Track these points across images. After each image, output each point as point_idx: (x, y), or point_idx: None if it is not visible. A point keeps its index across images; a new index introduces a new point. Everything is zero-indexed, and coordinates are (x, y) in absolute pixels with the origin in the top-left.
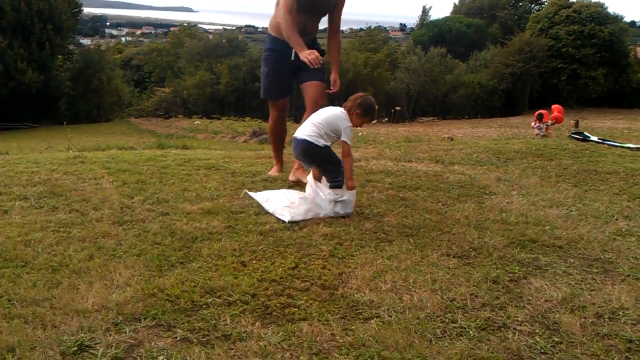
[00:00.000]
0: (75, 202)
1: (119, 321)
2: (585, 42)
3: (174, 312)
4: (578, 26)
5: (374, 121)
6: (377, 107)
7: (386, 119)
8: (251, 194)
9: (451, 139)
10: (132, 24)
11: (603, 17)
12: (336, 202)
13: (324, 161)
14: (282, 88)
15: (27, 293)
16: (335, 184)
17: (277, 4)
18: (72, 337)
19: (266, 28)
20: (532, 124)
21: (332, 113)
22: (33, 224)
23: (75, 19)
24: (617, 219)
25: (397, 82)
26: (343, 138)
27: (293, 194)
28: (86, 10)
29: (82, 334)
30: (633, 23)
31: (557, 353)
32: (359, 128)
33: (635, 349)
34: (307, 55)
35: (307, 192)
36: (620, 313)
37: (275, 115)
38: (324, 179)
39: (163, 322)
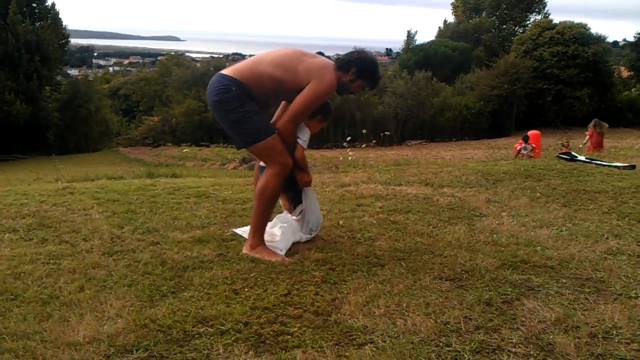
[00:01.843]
0: (65, 233)
1: (110, 353)
2: (570, 62)
3: (167, 343)
4: (562, 47)
5: (363, 145)
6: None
7: (374, 141)
8: (238, 230)
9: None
10: (119, 53)
11: (586, 38)
12: (307, 228)
13: (290, 183)
14: None
15: (17, 327)
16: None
17: (271, 75)
18: None
19: (252, 55)
20: (518, 146)
21: None
22: (22, 257)
23: (62, 50)
24: (607, 238)
25: (385, 106)
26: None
27: (274, 229)
28: (73, 41)
29: None
30: (615, 43)
31: None
32: (348, 152)
33: None
34: (307, 179)
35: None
36: (614, 332)
37: (288, 164)
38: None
39: (155, 353)
